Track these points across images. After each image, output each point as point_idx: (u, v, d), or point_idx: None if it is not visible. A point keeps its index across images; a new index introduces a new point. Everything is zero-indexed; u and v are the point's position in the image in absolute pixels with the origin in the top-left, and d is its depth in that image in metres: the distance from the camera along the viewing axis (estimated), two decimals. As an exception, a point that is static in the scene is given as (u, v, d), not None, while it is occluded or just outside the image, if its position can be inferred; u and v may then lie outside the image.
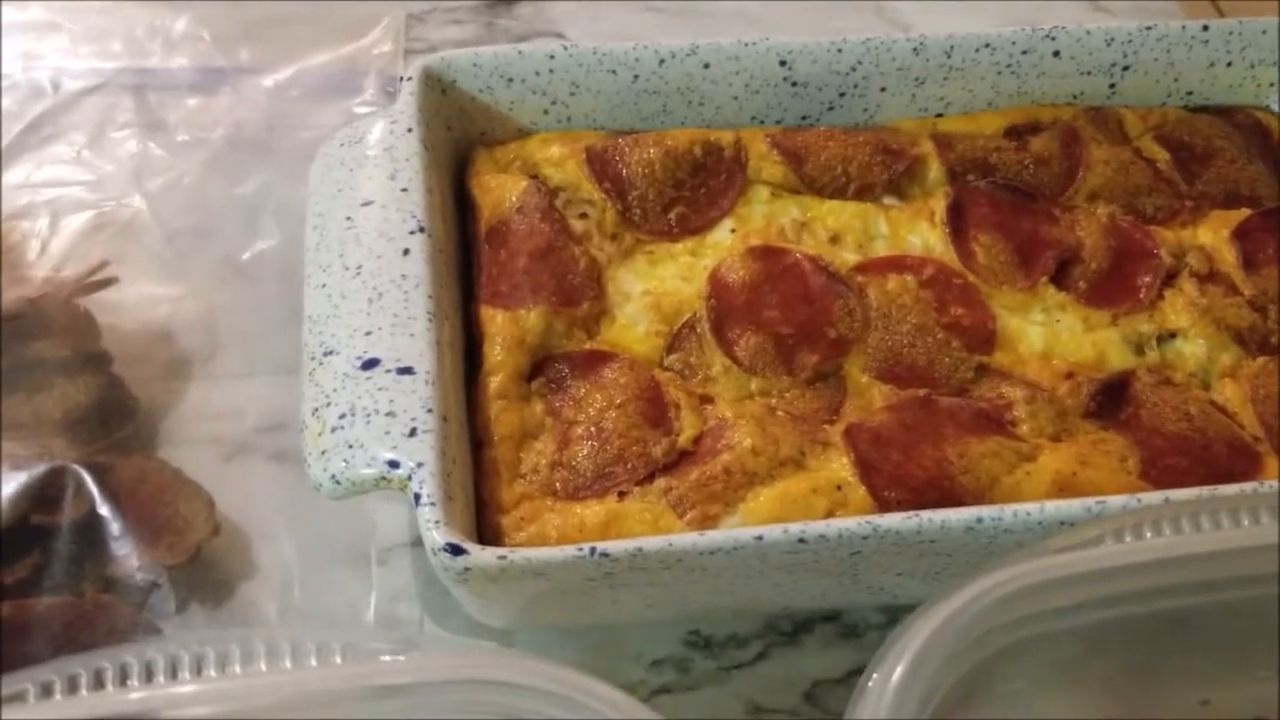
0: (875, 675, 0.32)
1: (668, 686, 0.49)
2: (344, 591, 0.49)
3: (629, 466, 0.46)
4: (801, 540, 0.41)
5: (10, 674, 0.29)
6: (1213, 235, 0.55)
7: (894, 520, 0.42)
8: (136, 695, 0.29)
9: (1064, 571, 0.32)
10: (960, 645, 0.31)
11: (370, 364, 0.44)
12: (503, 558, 0.40)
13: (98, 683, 0.29)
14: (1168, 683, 0.37)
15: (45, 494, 0.44)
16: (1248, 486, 0.44)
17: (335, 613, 0.48)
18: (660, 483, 0.46)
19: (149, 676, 0.29)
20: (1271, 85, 0.60)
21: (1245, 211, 0.56)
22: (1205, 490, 0.42)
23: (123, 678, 0.29)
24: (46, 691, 0.28)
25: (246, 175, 0.57)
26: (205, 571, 0.47)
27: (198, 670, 0.29)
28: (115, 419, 0.50)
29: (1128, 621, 0.34)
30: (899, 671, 0.31)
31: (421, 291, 0.47)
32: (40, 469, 0.44)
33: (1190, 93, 0.60)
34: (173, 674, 0.29)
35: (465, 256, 0.54)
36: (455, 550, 0.40)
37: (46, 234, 0.53)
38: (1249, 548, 0.33)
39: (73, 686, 0.29)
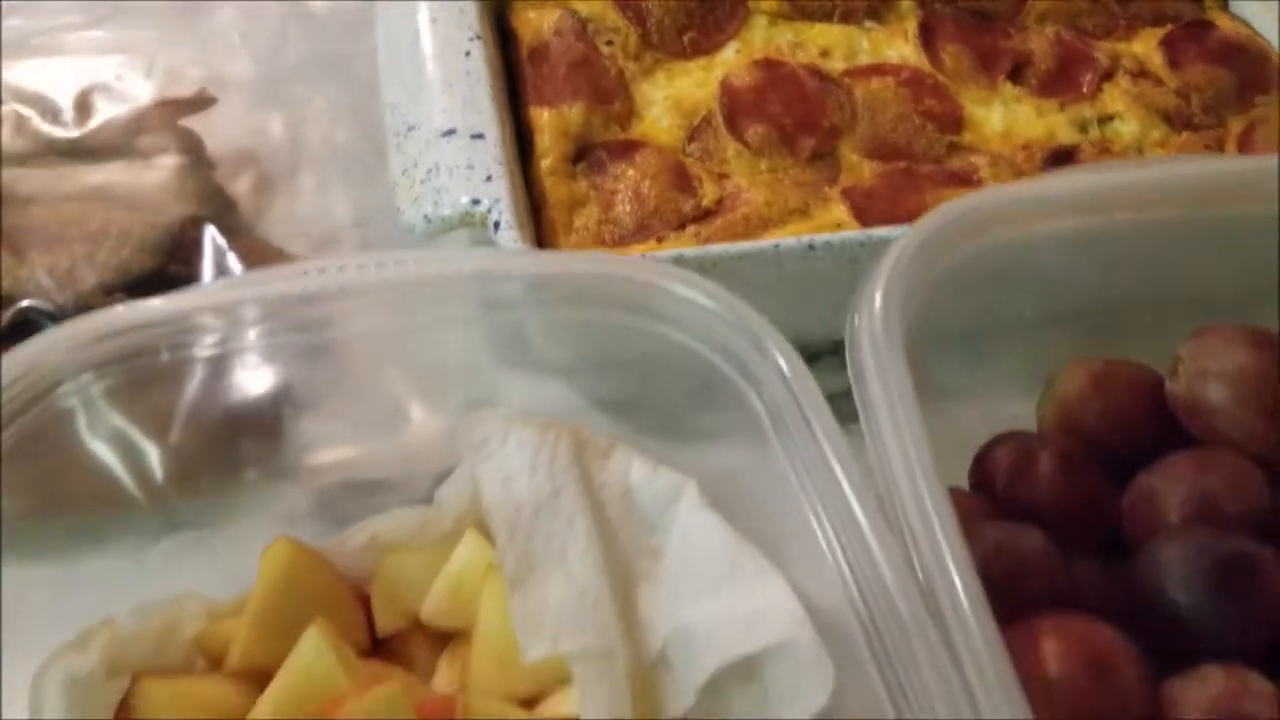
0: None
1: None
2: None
3: (664, 219, 0.55)
4: (811, 247, 0.50)
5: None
6: (1143, 46, 0.65)
7: (886, 231, 0.51)
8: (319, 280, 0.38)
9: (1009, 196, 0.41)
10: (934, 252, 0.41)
11: (449, 133, 0.53)
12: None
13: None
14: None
15: (180, 246, 0.53)
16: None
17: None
18: (691, 229, 0.55)
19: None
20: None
21: (1170, 26, 0.66)
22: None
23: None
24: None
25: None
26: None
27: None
28: (221, 215, 0.59)
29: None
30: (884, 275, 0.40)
31: (484, 82, 0.56)
32: (176, 217, 0.53)
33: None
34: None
35: (511, 85, 0.63)
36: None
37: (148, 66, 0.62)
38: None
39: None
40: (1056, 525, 0.42)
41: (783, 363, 0.38)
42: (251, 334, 0.41)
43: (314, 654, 0.38)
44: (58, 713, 0.35)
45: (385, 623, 0.44)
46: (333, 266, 0.39)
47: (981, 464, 0.47)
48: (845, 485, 0.36)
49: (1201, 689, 0.36)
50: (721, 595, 0.38)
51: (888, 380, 0.37)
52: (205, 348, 0.42)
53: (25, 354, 0.41)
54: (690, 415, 0.46)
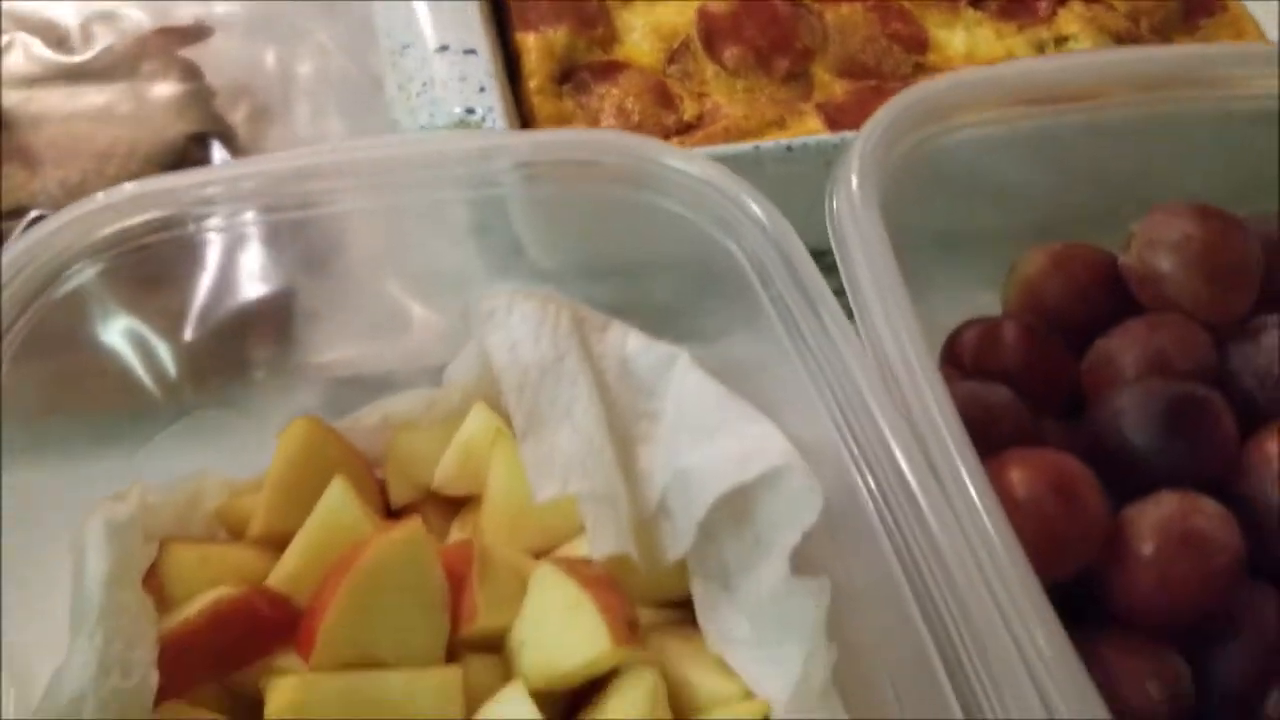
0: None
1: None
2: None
3: (647, 133, 0.58)
4: (789, 149, 0.54)
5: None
6: (1095, -24, 0.69)
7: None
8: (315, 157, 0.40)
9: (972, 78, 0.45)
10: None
11: (442, 49, 0.56)
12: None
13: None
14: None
15: (185, 162, 0.55)
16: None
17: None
18: (674, 141, 0.58)
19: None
20: None
21: (1121, -42, 0.70)
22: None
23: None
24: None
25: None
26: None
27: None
28: (221, 139, 0.61)
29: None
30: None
31: (474, 5, 0.59)
32: (181, 134, 0.55)
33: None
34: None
35: (498, 16, 0.65)
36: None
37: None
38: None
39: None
40: (1022, 390, 0.46)
41: (762, 216, 0.41)
42: (251, 213, 0.43)
43: (340, 503, 0.41)
44: (100, 554, 0.37)
45: (399, 495, 0.46)
46: (327, 148, 0.42)
47: (951, 346, 0.50)
48: (833, 331, 0.39)
49: (1156, 509, 0.39)
50: (716, 441, 0.41)
51: (867, 236, 0.41)
52: (209, 227, 0.43)
53: (27, 241, 0.42)
54: (681, 300, 0.49)
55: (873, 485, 0.38)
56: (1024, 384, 0.46)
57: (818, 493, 0.37)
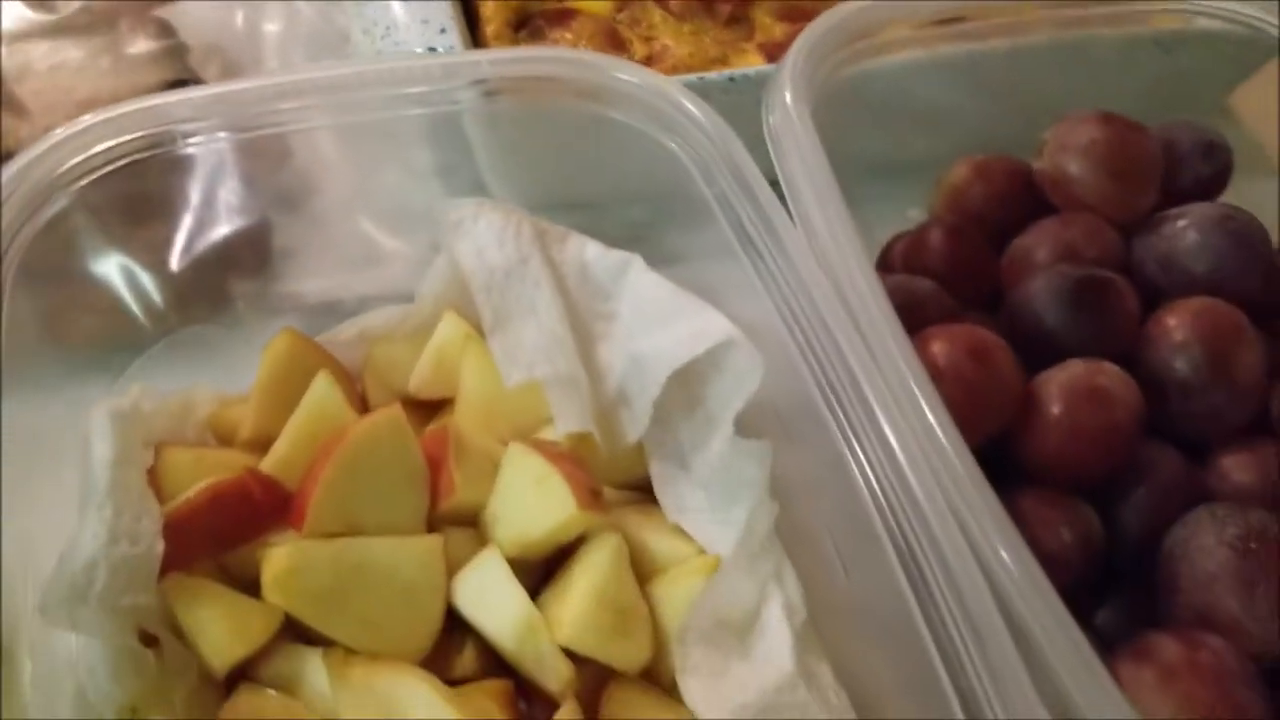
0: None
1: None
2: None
3: (600, 72, 0.62)
4: (731, 79, 0.58)
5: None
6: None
7: (796, 64, 0.58)
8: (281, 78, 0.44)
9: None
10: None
11: (405, -4, 0.60)
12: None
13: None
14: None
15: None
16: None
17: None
18: (624, 79, 0.62)
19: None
20: None
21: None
22: None
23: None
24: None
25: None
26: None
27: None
28: (196, 91, 0.64)
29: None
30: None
31: (433, -46, 0.62)
32: (160, 82, 0.58)
33: None
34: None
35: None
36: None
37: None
38: None
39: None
40: (948, 286, 0.50)
41: (703, 119, 0.45)
42: (224, 133, 0.46)
43: (325, 394, 0.44)
44: (105, 439, 0.41)
45: (377, 402, 0.50)
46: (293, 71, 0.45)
47: (884, 256, 0.55)
48: (776, 225, 0.43)
49: (1063, 374, 0.44)
50: (667, 328, 0.44)
51: (802, 142, 0.45)
52: (190, 146, 0.47)
53: (13, 167, 0.44)
54: (639, 214, 0.53)
55: (813, 363, 0.42)
56: (949, 280, 0.50)
57: (759, 362, 0.41)
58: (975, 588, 0.35)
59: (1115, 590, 0.43)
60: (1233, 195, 0.59)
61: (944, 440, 0.39)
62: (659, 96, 0.47)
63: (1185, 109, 0.59)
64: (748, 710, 0.36)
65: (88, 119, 0.45)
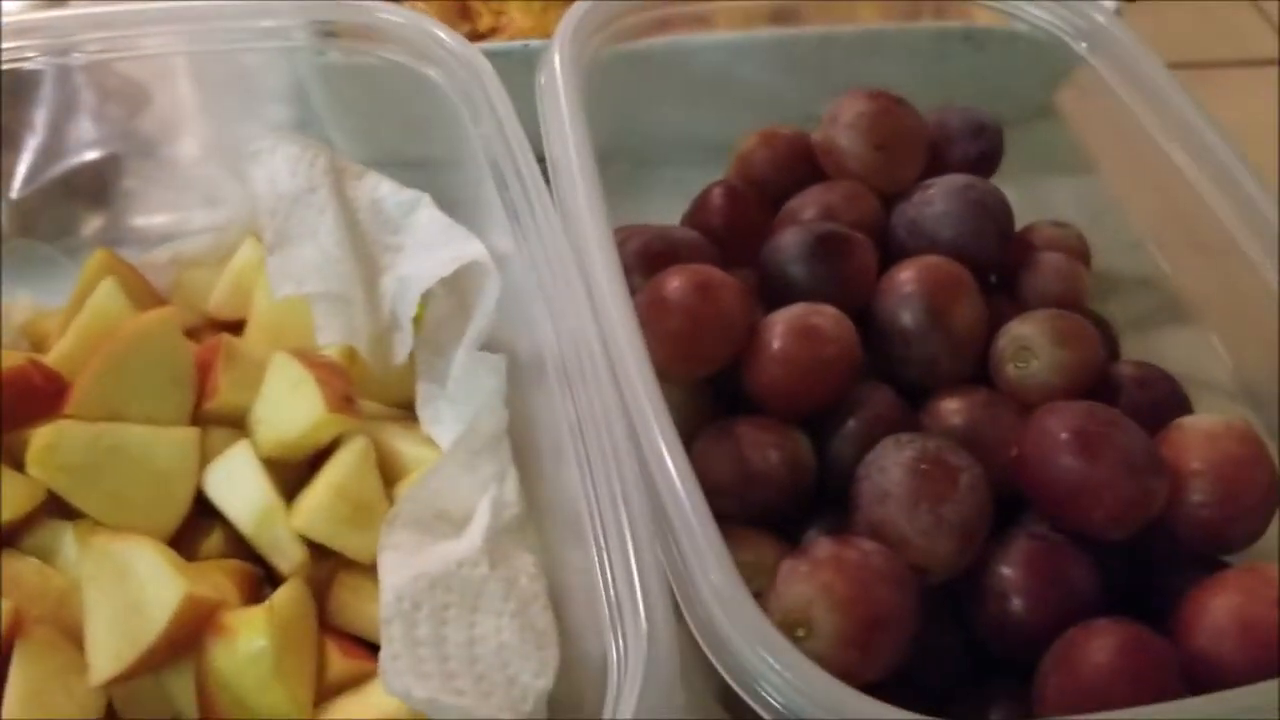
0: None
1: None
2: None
3: (445, 39, 0.67)
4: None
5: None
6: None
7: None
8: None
9: None
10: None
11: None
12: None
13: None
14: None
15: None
16: None
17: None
18: (467, 46, 0.66)
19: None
20: None
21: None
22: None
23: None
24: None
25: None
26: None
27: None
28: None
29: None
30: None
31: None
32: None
33: None
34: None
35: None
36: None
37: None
38: None
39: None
40: (724, 242, 0.54)
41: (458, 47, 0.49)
42: (75, 54, 0.50)
43: (109, 295, 0.48)
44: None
45: (183, 321, 0.54)
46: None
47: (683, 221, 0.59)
48: (520, 162, 0.47)
49: (785, 313, 0.47)
50: (433, 253, 0.48)
51: (566, 109, 0.48)
52: (34, 66, 0.50)
53: None
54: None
55: (546, 283, 0.45)
56: (726, 237, 0.54)
57: (497, 281, 0.45)
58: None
59: (823, 512, 0.47)
60: (1054, 193, 0.63)
61: (633, 365, 0.41)
62: (421, 31, 0.51)
63: (1004, 106, 0.63)
64: (423, 580, 0.39)
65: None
